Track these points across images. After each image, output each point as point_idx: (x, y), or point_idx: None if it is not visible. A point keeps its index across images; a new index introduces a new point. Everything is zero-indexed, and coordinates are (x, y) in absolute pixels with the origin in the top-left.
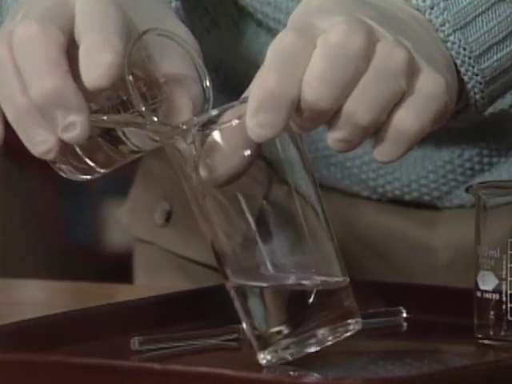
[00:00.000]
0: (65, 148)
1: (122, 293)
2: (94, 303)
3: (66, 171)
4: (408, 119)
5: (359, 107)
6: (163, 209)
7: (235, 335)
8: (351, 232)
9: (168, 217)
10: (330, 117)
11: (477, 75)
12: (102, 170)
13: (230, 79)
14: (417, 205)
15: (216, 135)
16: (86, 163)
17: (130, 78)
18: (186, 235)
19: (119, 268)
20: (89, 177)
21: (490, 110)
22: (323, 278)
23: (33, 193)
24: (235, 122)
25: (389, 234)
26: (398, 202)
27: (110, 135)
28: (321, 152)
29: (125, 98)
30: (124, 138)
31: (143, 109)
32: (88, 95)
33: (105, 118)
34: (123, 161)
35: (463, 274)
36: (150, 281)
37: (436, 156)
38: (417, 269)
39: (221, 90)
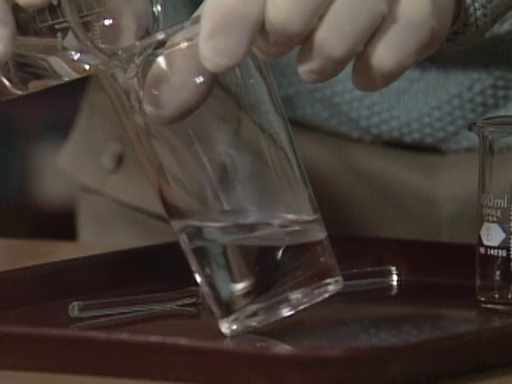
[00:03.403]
0: None
1: (64, 251)
2: (29, 264)
3: None
4: (386, 52)
5: (333, 35)
6: (113, 151)
7: (193, 299)
8: (344, 172)
9: (119, 161)
10: (300, 41)
11: None
12: (19, 92)
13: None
14: (417, 148)
15: (162, 61)
16: (2, 83)
17: None
18: (139, 182)
19: (60, 222)
20: (3, 98)
21: (507, 27)
22: (294, 218)
23: None
24: (184, 44)
25: (384, 182)
26: (394, 145)
27: (28, 59)
28: (304, 85)
29: (55, 2)
30: (47, 66)
31: (75, 23)
32: None
33: (33, 39)
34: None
35: (471, 229)
36: (96, 237)
37: (441, 89)
38: (416, 222)
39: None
